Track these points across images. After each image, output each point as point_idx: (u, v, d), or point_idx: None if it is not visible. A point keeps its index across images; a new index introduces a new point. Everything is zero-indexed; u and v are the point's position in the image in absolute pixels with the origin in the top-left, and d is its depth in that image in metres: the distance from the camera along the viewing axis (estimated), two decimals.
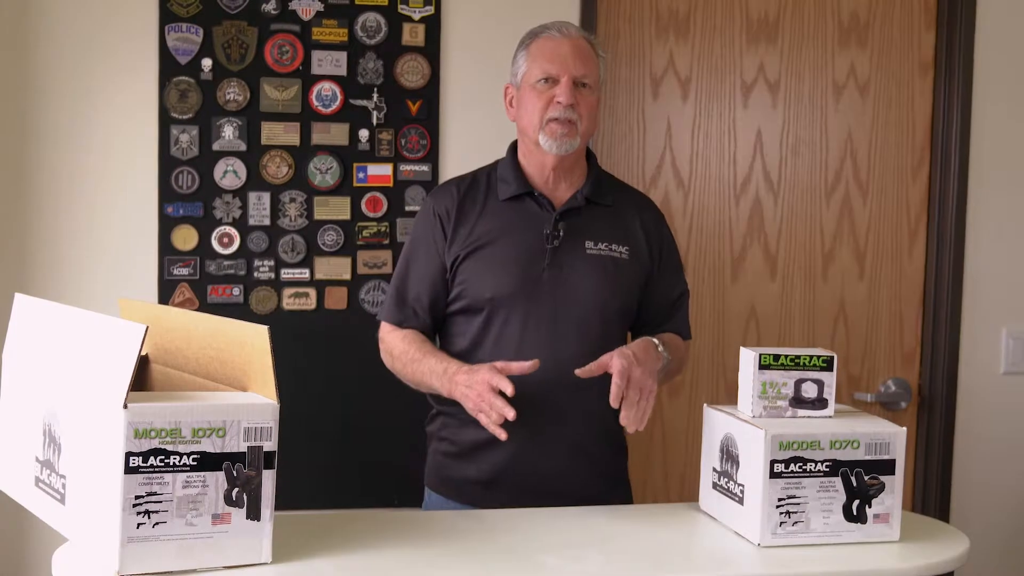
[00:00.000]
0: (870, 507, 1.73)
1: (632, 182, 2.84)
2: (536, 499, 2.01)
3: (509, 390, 1.87)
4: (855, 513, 1.73)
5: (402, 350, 2.14)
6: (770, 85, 2.93)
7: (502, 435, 1.89)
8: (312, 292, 2.65)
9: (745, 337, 2.95)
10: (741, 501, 1.76)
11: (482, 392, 1.89)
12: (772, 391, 1.80)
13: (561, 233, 2.12)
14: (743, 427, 1.76)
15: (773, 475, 1.70)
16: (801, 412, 1.81)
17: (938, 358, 3.01)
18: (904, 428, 1.76)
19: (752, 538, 1.72)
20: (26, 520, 2.45)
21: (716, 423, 1.86)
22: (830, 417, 1.81)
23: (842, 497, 1.72)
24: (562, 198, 2.16)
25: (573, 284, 2.10)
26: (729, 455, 1.81)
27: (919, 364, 3.04)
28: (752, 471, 1.73)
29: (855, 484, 1.73)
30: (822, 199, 2.98)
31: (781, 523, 1.71)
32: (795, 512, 1.71)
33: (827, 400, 1.81)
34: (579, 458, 2.13)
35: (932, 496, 3.01)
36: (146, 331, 1.44)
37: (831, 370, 1.82)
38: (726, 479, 1.81)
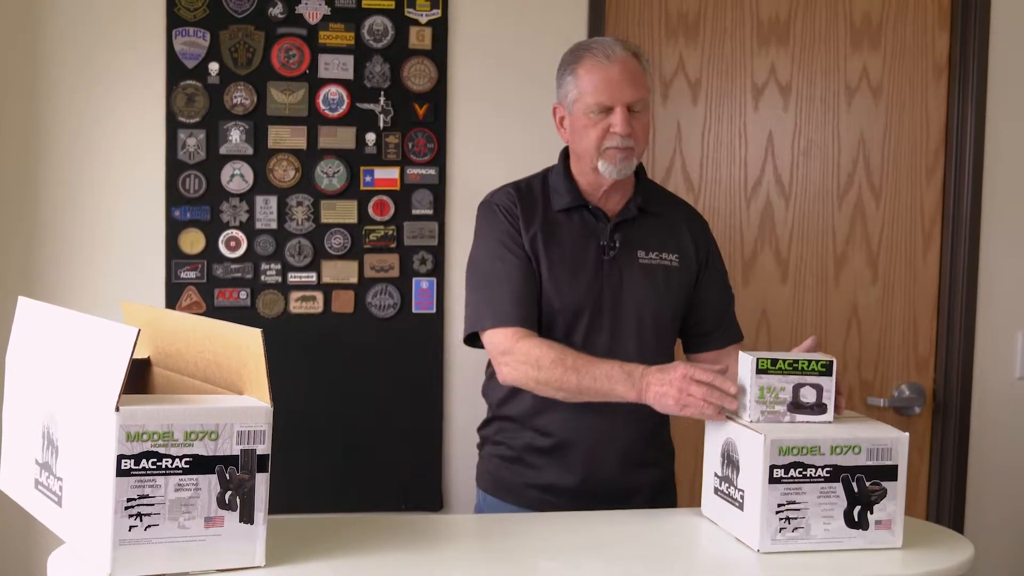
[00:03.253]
0: (871, 513, 1.71)
1: None
2: (590, 502, 2.05)
3: (731, 389, 1.80)
4: (856, 519, 1.71)
5: (555, 358, 1.99)
6: (781, 87, 2.91)
7: (720, 417, 1.81)
8: (319, 296, 2.65)
9: (756, 341, 2.93)
10: (741, 507, 1.74)
11: (683, 387, 1.84)
12: (770, 396, 1.78)
13: (617, 244, 2.14)
14: (743, 432, 1.75)
15: (773, 480, 1.68)
16: (799, 417, 1.78)
17: (952, 363, 2.97)
18: (907, 434, 1.73)
19: (752, 544, 1.71)
20: (32, 522, 2.45)
21: (717, 428, 1.85)
22: (830, 422, 1.79)
23: (843, 503, 1.70)
24: (614, 209, 2.17)
25: (630, 294, 2.13)
26: (730, 460, 1.79)
27: (933, 369, 3.01)
28: (752, 476, 1.71)
29: (856, 490, 1.70)
30: (834, 202, 2.95)
31: (781, 529, 1.69)
32: (795, 518, 1.69)
33: (826, 405, 1.79)
34: (633, 463, 2.16)
35: (946, 502, 2.97)
36: (138, 334, 1.44)
37: (830, 375, 1.80)
38: (727, 484, 1.80)
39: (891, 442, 1.72)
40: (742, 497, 1.74)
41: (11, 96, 2.56)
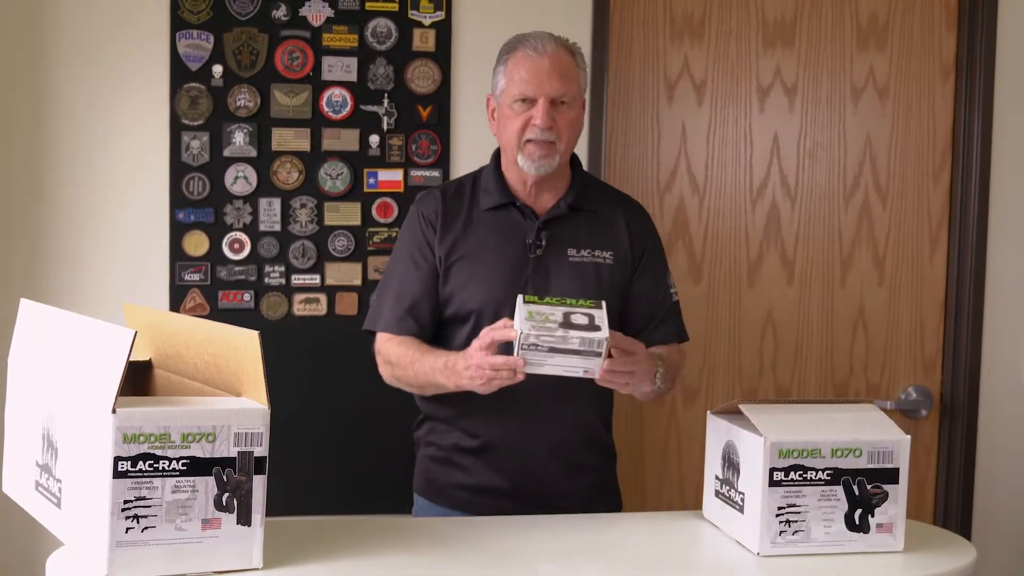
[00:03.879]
0: (872, 516, 1.70)
1: (647, 187, 2.84)
2: (523, 504, 2.03)
3: (507, 335, 1.82)
4: (857, 522, 1.70)
5: (399, 354, 2.08)
6: (787, 89, 2.90)
7: (519, 377, 1.82)
8: (323, 298, 2.65)
9: (762, 343, 2.92)
10: (741, 509, 1.73)
11: (480, 362, 1.85)
12: (539, 317, 1.76)
13: (544, 242, 2.12)
14: (744, 435, 1.73)
15: (773, 483, 1.67)
16: (573, 333, 1.76)
17: (960, 365, 2.96)
18: (908, 436, 1.72)
19: (752, 547, 1.70)
20: (37, 524, 2.46)
21: (718, 430, 1.84)
22: (607, 338, 1.76)
23: (844, 506, 1.69)
24: (545, 206, 2.15)
25: (557, 292, 2.09)
26: (730, 463, 1.78)
27: (940, 371, 2.99)
28: (752, 479, 1.70)
29: (857, 493, 1.69)
30: (840, 204, 2.94)
31: (781, 532, 1.68)
32: (795, 521, 1.68)
33: (600, 326, 1.77)
34: (565, 464, 2.13)
35: (954, 505, 2.96)
36: (134, 337, 1.44)
37: (600, 308, 1.80)
38: (727, 487, 1.79)
39: (892, 445, 1.71)
40: (742, 500, 1.73)
41: (16, 98, 2.57)
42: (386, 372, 2.14)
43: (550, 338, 1.76)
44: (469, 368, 1.88)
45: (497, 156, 2.20)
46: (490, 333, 1.86)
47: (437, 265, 2.12)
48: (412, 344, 2.09)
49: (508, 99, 2.09)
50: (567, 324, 1.77)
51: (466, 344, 2.07)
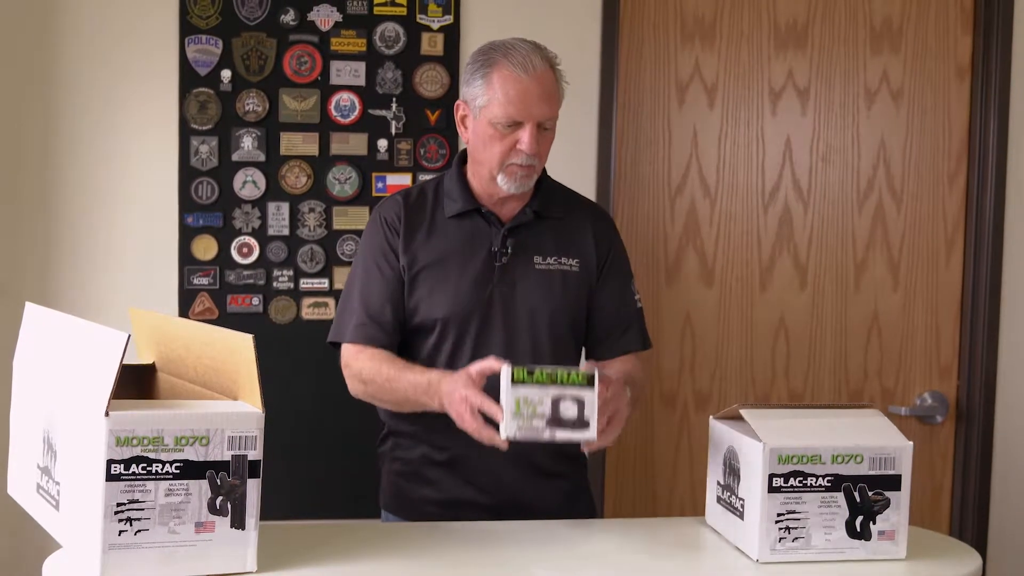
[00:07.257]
0: (874, 523, 1.68)
1: (658, 191, 2.82)
2: (494, 515, 1.99)
3: (490, 410, 1.75)
4: (859, 529, 1.68)
5: (373, 371, 2.01)
6: (799, 92, 2.88)
7: (502, 446, 1.76)
8: (331, 302, 2.65)
9: (774, 348, 2.89)
10: (742, 516, 1.72)
11: (461, 412, 1.80)
12: (527, 409, 1.67)
13: (509, 250, 2.07)
14: (744, 440, 1.72)
15: (772, 490, 1.66)
16: (560, 433, 1.68)
17: (976, 370, 2.92)
18: (910, 443, 1.70)
19: (751, 553, 1.68)
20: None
21: (720, 436, 1.83)
22: (594, 440, 1.70)
23: (844, 513, 1.67)
24: (510, 213, 2.11)
25: (523, 300, 2.06)
26: (731, 468, 1.77)
27: (956, 377, 2.96)
28: (752, 485, 1.68)
29: (858, 500, 1.67)
30: (854, 208, 2.91)
31: (780, 539, 1.66)
32: (795, 528, 1.66)
33: (588, 422, 1.69)
34: (534, 474, 2.10)
35: (969, 512, 2.92)
36: (128, 340, 1.45)
37: (592, 387, 1.70)
38: (728, 493, 1.77)
39: (894, 451, 1.69)
40: (742, 506, 1.71)
41: (26, 103, 2.59)
42: (356, 388, 2.07)
43: (536, 436, 1.70)
44: (453, 404, 1.82)
45: (461, 161, 2.16)
46: (483, 406, 1.77)
47: (402, 272, 2.07)
48: (385, 359, 2.02)
49: (490, 117, 2.00)
50: (554, 420, 1.69)
51: (433, 352, 2.05)
